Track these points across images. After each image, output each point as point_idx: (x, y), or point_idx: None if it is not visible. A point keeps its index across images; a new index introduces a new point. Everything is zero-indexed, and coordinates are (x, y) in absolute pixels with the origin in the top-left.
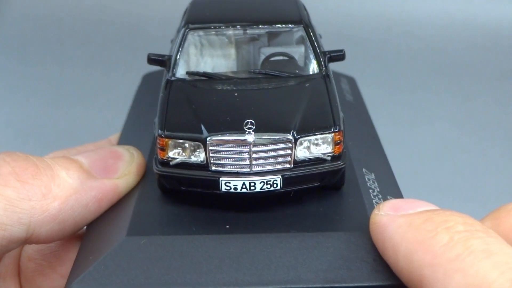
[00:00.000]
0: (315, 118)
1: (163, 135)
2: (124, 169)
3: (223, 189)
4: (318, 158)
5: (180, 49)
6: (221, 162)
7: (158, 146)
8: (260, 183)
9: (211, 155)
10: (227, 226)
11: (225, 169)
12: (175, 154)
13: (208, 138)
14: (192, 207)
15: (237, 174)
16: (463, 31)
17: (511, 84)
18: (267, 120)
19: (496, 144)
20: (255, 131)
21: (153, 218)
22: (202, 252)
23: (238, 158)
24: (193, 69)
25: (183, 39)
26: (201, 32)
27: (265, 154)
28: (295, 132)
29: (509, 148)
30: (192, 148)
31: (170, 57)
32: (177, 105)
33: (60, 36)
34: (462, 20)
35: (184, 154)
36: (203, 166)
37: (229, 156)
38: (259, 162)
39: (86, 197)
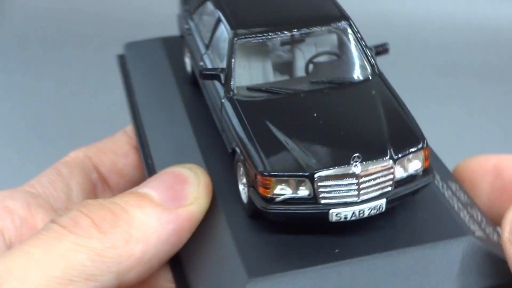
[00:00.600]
0: (402, 134)
1: (267, 174)
2: (193, 193)
3: (334, 220)
4: (411, 175)
5: (233, 60)
6: (330, 195)
7: (260, 183)
8: (368, 209)
9: (320, 190)
10: (336, 250)
11: (334, 201)
12: (280, 191)
13: (316, 175)
14: (289, 233)
15: (345, 204)
16: (463, 31)
17: (511, 83)
18: (365, 147)
19: (496, 144)
20: (360, 162)
21: (262, 251)
22: (334, 282)
23: (346, 189)
24: (245, 81)
25: (233, 48)
26: (248, 39)
27: (371, 182)
28: (393, 155)
29: (509, 148)
30: (297, 184)
31: (223, 69)
32: (261, 133)
33: (60, 34)
34: (462, 20)
35: (289, 189)
36: (311, 200)
37: (337, 188)
38: (366, 190)
39: (165, 233)
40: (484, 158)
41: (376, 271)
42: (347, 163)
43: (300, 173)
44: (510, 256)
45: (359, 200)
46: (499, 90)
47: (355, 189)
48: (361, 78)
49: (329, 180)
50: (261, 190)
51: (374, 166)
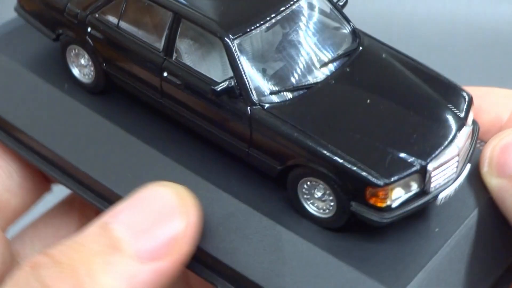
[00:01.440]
0: (450, 93)
1: (384, 184)
2: (179, 237)
3: (441, 203)
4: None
5: (241, 66)
6: (437, 181)
7: (375, 195)
8: (462, 180)
9: (432, 180)
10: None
11: (441, 185)
12: (396, 196)
13: (429, 166)
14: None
15: (448, 184)
16: (463, 31)
17: (511, 84)
18: (442, 121)
19: None
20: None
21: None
22: None
23: (451, 169)
24: (261, 82)
25: (235, 53)
26: (244, 36)
27: (464, 153)
28: (463, 118)
29: None
30: (408, 182)
31: (231, 80)
32: (334, 139)
33: None
34: (462, 20)
35: (402, 191)
36: (421, 192)
37: (444, 172)
38: (461, 162)
39: None
40: None
41: None
42: (450, 142)
43: (414, 169)
44: (491, 188)
45: (457, 175)
46: None
47: (456, 166)
48: (356, 42)
49: (440, 166)
50: (375, 202)
51: (464, 137)
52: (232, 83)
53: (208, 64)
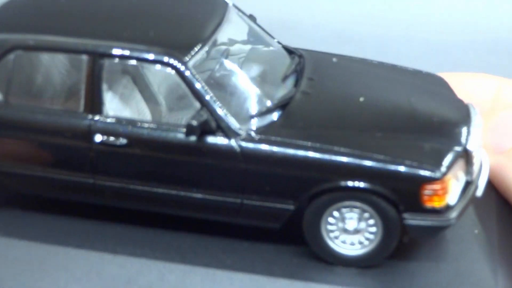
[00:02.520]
0: (426, 79)
1: (440, 176)
2: None
3: (481, 193)
4: None
5: (208, 92)
6: (476, 167)
7: (434, 193)
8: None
9: (474, 165)
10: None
11: (477, 173)
12: (452, 189)
13: (468, 147)
14: None
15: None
16: (463, 31)
17: None
18: (442, 104)
19: None
20: None
21: None
22: None
23: (479, 155)
24: (236, 108)
25: (195, 76)
26: (196, 55)
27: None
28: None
29: None
30: (456, 171)
31: (202, 113)
32: (364, 146)
33: None
34: (462, 20)
35: (456, 182)
36: (467, 183)
37: (477, 157)
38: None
39: None
40: None
41: None
42: (470, 125)
43: (458, 152)
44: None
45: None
46: None
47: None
48: (294, 55)
49: (474, 151)
50: (434, 201)
51: (477, 118)
52: (205, 116)
53: (156, 109)
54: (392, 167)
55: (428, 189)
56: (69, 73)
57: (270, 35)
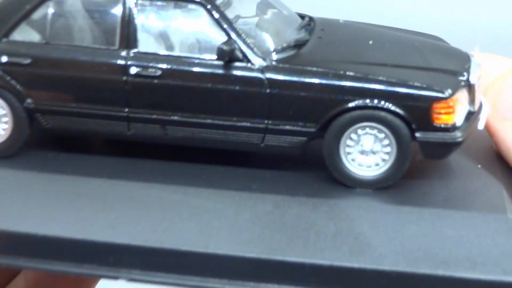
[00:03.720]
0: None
1: (448, 96)
2: None
3: (482, 126)
4: None
5: (234, 26)
6: (477, 101)
7: (443, 111)
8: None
9: (476, 96)
10: None
11: (478, 108)
12: (458, 111)
13: (471, 79)
14: None
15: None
16: (463, 31)
17: None
18: (446, 50)
19: None
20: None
21: None
22: None
23: (479, 92)
24: (260, 41)
25: (223, 13)
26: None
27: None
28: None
29: None
30: (461, 97)
31: (230, 42)
32: (379, 72)
33: None
34: (462, 20)
35: (461, 107)
36: (470, 113)
37: (478, 92)
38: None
39: None
40: None
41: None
42: (470, 64)
43: (463, 81)
44: (494, 131)
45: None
46: None
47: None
48: (306, 18)
49: (475, 84)
50: (443, 119)
51: (476, 64)
52: (232, 46)
53: (184, 44)
54: (405, 88)
55: (437, 107)
56: (104, 13)
57: (281, 2)
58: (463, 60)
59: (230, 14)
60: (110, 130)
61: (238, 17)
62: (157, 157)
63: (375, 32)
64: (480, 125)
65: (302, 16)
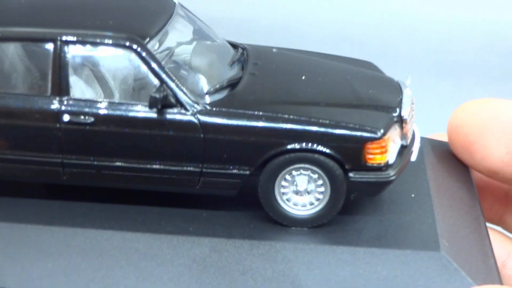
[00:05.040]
0: (363, 65)
1: (380, 136)
2: None
3: (415, 158)
4: None
5: (165, 70)
6: (410, 134)
7: (376, 151)
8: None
9: (408, 130)
10: None
11: (411, 140)
12: (390, 149)
13: (403, 114)
14: None
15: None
16: (464, 31)
17: (511, 84)
18: (378, 82)
19: None
20: None
21: None
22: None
23: (412, 125)
24: (191, 85)
25: (153, 57)
26: (152, 40)
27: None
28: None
29: None
30: (393, 134)
31: (162, 89)
32: (311, 114)
33: None
34: (462, 20)
35: (393, 144)
36: (403, 147)
37: (411, 125)
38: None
39: None
40: (495, 107)
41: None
42: (402, 98)
43: (394, 117)
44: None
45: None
46: (499, 90)
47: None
48: (237, 47)
49: (407, 118)
50: (375, 159)
51: (408, 96)
52: (165, 91)
53: (117, 89)
54: (337, 129)
55: (370, 148)
56: (36, 59)
57: (213, 31)
58: (395, 93)
59: (164, 48)
60: (45, 176)
61: (171, 52)
62: (93, 199)
63: (308, 63)
64: (413, 157)
65: (234, 45)
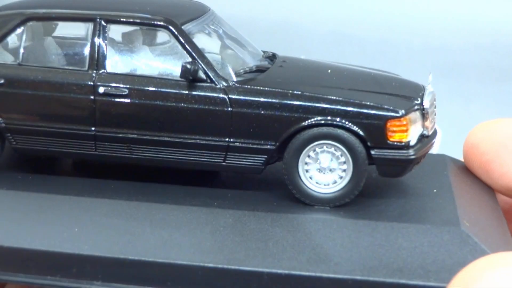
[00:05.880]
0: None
1: (402, 114)
2: None
3: (436, 150)
4: None
5: (198, 49)
6: (431, 126)
7: (397, 129)
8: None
9: (429, 121)
10: None
11: (432, 133)
12: (412, 131)
13: (424, 104)
14: None
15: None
16: (464, 31)
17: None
18: (400, 81)
19: None
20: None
21: None
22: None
23: (433, 119)
24: (222, 64)
25: (188, 36)
26: (187, 26)
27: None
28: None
29: None
30: (415, 119)
31: (194, 63)
32: (337, 94)
33: None
34: (462, 20)
35: (415, 128)
36: (423, 136)
37: (432, 118)
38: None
39: None
40: None
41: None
42: (424, 93)
43: (416, 104)
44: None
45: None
46: (499, 90)
47: (434, 118)
48: (266, 53)
49: (429, 110)
50: (397, 137)
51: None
52: (195, 67)
53: (150, 64)
54: (361, 107)
55: (391, 125)
56: (75, 37)
57: (245, 38)
58: (417, 89)
59: (197, 37)
60: (77, 150)
61: (205, 41)
62: (122, 178)
63: (334, 65)
64: (434, 150)
65: (263, 51)
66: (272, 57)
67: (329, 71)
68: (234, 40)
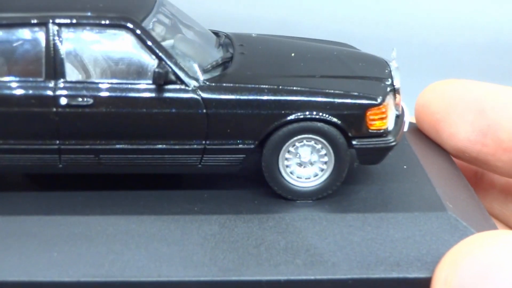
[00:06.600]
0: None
1: (380, 101)
2: None
3: (408, 128)
4: None
5: (163, 49)
6: (402, 105)
7: (377, 117)
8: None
9: (400, 101)
10: None
11: (402, 113)
12: (389, 116)
13: (395, 84)
14: None
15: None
16: (464, 31)
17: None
18: (367, 58)
19: None
20: None
21: None
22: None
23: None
24: (188, 63)
25: (150, 36)
26: (145, 22)
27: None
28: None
29: None
30: (390, 102)
31: (162, 65)
32: (312, 85)
33: None
34: (462, 20)
35: (391, 112)
36: (397, 117)
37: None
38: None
39: None
40: (462, 87)
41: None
42: (392, 72)
43: (390, 87)
44: None
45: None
46: None
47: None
48: (220, 33)
49: (399, 90)
50: (377, 125)
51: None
52: (165, 68)
53: (115, 70)
54: (339, 98)
55: (371, 114)
56: (28, 44)
57: (194, 20)
58: (383, 66)
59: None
60: (41, 165)
61: (162, 37)
62: (89, 188)
63: (291, 44)
64: (405, 128)
65: (215, 33)
66: (225, 39)
67: (292, 54)
68: (187, 26)
